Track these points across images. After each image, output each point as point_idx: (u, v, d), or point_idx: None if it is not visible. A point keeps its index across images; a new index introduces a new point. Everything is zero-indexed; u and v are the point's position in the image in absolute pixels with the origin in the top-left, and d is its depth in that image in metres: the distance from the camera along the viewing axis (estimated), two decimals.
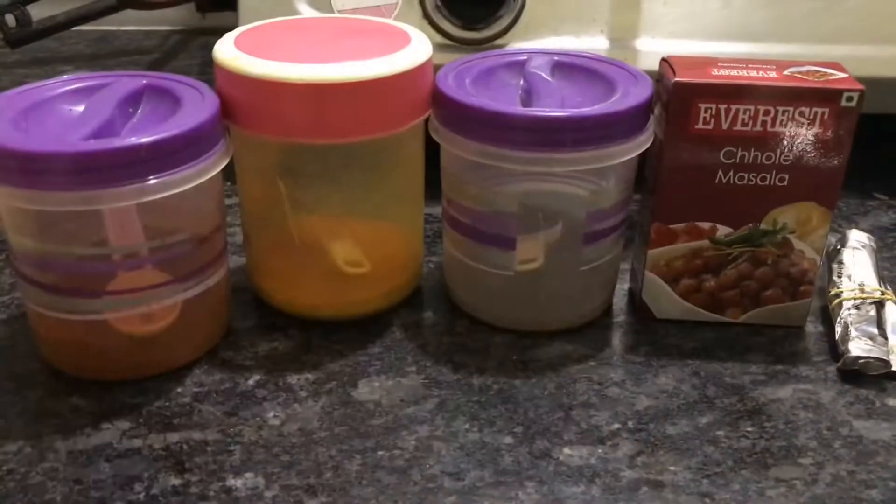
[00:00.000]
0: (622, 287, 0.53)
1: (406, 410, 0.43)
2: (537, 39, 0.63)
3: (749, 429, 0.42)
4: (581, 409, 0.44)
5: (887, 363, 0.45)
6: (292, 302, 0.50)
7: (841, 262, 0.52)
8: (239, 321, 0.50)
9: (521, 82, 0.49)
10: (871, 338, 0.46)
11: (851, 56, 0.60)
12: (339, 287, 0.49)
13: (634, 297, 0.51)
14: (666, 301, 0.50)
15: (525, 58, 0.50)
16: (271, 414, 0.43)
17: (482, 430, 0.42)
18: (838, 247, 0.53)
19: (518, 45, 0.62)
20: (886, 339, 0.46)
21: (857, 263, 0.51)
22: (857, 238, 0.53)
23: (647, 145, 0.46)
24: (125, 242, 0.42)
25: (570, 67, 0.50)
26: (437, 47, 0.62)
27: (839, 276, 0.51)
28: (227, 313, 0.49)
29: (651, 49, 0.62)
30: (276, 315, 0.50)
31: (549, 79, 0.48)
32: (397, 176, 0.49)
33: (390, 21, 0.50)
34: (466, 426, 0.42)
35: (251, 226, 0.50)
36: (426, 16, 0.62)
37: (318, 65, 0.43)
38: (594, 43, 0.62)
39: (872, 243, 0.54)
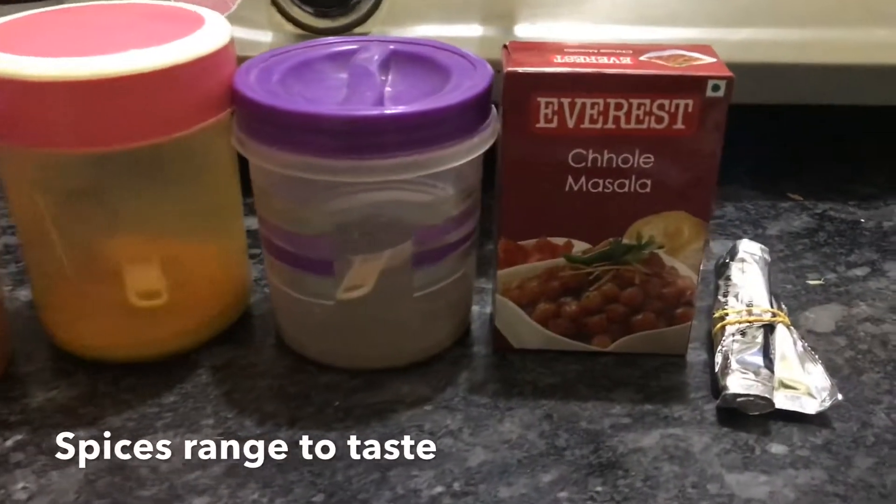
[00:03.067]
0: (482, 310, 0.46)
1: (187, 477, 0.36)
2: (403, 27, 0.55)
3: (599, 488, 0.35)
4: (401, 469, 0.36)
5: (770, 402, 0.38)
6: (77, 341, 0.42)
7: (728, 279, 0.45)
8: (23, 364, 0.42)
9: (345, 76, 0.41)
10: (755, 371, 0.39)
11: (745, 40, 0.53)
12: (130, 323, 0.41)
13: (491, 325, 0.44)
14: (523, 329, 0.42)
15: (355, 47, 0.43)
16: (20, 485, 0.35)
17: (273, 501, 0.34)
18: (727, 260, 0.46)
19: (380, 33, 0.54)
20: (772, 371, 0.39)
21: (747, 279, 0.44)
22: (748, 249, 0.46)
23: (485, 148, 0.39)
24: None
25: (408, 58, 0.43)
26: (293, 39, 0.55)
27: (725, 296, 0.44)
28: (2, 356, 0.41)
29: (532, 35, 0.54)
30: (66, 358, 0.42)
31: (375, 71, 0.40)
32: (198, 187, 0.41)
33: (189, 6, 0.42)
34: (256, 496, 0.35)
35: (26, 251, 0.42)
36: (274, 2, 0.55)
37: (75, 58, 0.35)
38: (468, 31, 0.55)
39: (766, 255, 0.47)
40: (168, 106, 0.37)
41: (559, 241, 0.40)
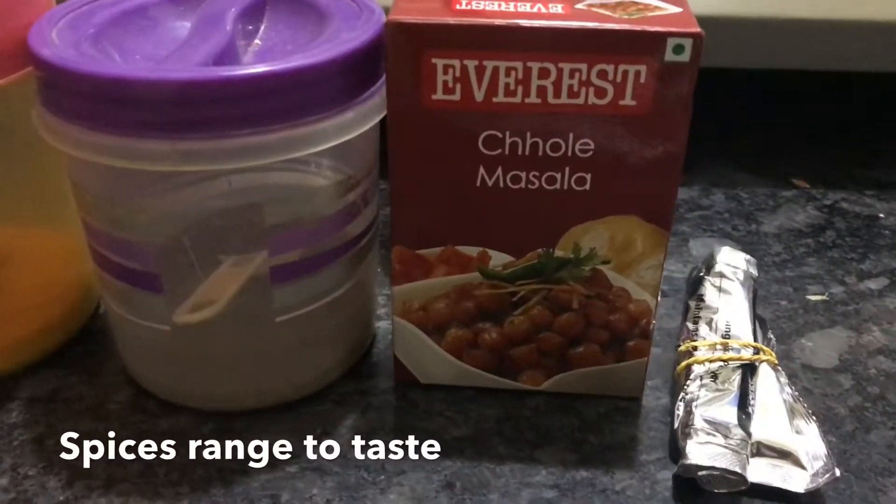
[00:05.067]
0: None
1: None
2: None
3: None
4: None
5: (742, 479, 0.28)
6: None
7: (701, 300, 0.35)
8: None
9: (188, 25, 0.31)
10: (725, 432, 0.29)
11: None
12: None
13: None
14: (429, 359, 0.33)
15: None
16: None
17: None
18: (702, 273, 0.36)
19: None
20: (748, 431, 0.29)
21: (725, 302, 0.34)
22: (730, 261, 0.36)
23: (369, 124, 0.29)
24: None
25: (289, 2, 0.32)
26: None
27: (696, 322, 0.34)
28: None
29: None
30: None
31: (228, 18, 0.30)
32: (15, 162, 0.31)
33: None
34: None
35: None
36: None
37: None
38: None
39: (752, 269, 0.36)
40: None
41: (471, 251, 0.30)
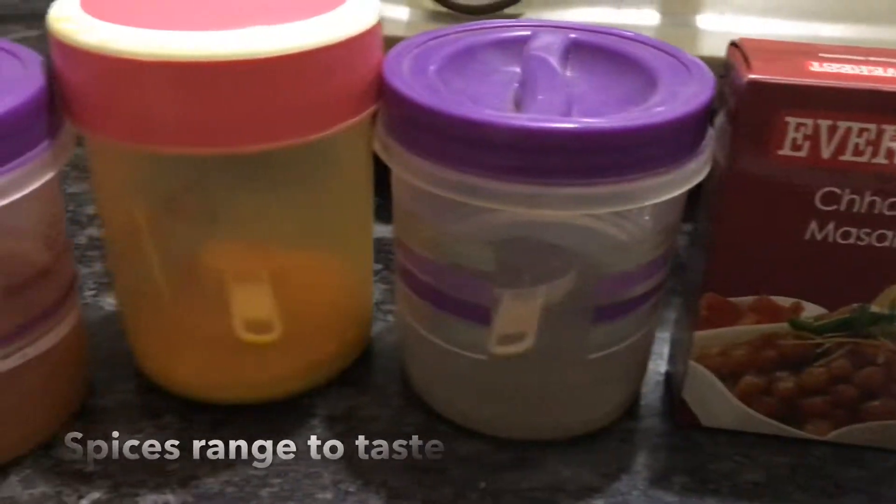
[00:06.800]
0: (656, 369, 0.37)
1: None
2: (561, 9, 0.46)
3: None
4: None
5: None
6: (170, 376, 0.35)
7: None
8: (101, 396, 0.35)
9: (518, 70, 0.33)
10: None
11: None
12: (236, 358, 0.33)
13: (672, 394, 0.35)
14: (718, 404, 0.33)
15: (528, 33, 0.34)
16: None
17: None
18: None
19: (536, 15, 0.45)
20: None
21: None
22: None
23: (702, 176, 0.30)
24: None
25: (593, 51, 0.34)
26: (424, 17, 0.47)
27: None
28: (76, 388, 0.34)
29: (719, 29, 0.45)
30: (154, 392, 0.35)
31: (557, 67, 0.32)
32: (332, 194, 0.33)
33: None
34: None
35: (116, 265, 0.35)
36: None
37: (185, 33, 0.27)
38: (640, 17, 0.46)
39: None
40: (299, 102, 0.29)
41: (784, 301, 0.31)
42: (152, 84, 0.27)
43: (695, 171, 0.29)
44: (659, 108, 0.28)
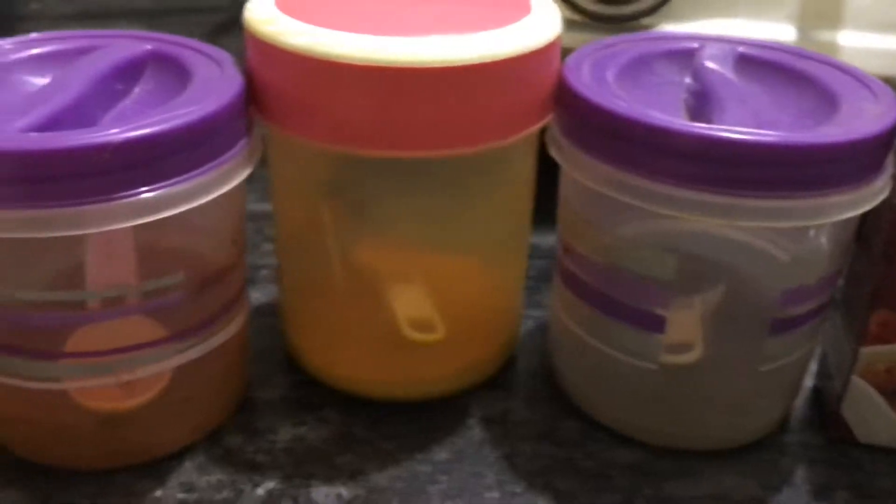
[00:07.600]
0: (806, 385, 0.37)
1: None
2: (697, 21, 0.46)
3: None
4: None
5: None
6: (331, 371, 0.35)
7: None
8: (260, 389, 0.36)
9: (689, 81, 0.33)
10: None
11: None
12: (396, 356, 0.34)
13: (825, 408, 0.35)
14: (879, 421, 0.33)
15: (696, 45, 0.35)
16: None
17: None
18: None
19: (669, 28, 0.46)
20: None
21: None
22: None
23: (885, 194, 0.30)
24: (103, 284, 0.29)
25: (762, 65, 0.34)
26: (567, 27, 0.47)
27: None
28: (242, 380, 0.35)
29: (857, 45, 0.45)
30: (312, 385, 0.36)
31: (734, 80, 0.32)
32: (496, 201, 0.34)
33: None
34: None
35: (287, 261, 0.36)
36: None
37: (397, 38, 0.28)
38: (776, 31, 0.46)
39: None
40: (495, 107, 0.29)
41: None
42: (355, 87, 0.28)
43: (881, 188, 0.29)
44: (849, 125, 0.28)
